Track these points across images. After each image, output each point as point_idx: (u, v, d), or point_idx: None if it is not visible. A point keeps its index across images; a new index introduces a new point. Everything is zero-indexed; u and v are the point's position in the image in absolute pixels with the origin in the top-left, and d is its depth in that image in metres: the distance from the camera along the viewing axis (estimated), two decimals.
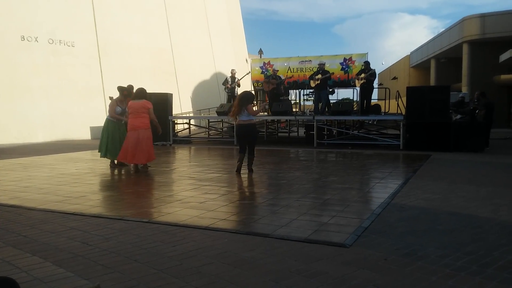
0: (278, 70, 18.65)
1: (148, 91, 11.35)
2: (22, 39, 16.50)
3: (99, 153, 9.41)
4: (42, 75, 16.98)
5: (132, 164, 8.72)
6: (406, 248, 3.74)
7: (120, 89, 9.40)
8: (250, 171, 8.33)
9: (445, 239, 4.03)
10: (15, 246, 3.91)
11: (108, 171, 9.01)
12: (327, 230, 4.32)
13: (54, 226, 4.59)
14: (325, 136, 15.18)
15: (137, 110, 8.51)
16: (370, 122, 17.69)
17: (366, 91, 15.17)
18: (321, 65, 15.97)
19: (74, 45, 18.17)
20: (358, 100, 16.39)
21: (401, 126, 12.99)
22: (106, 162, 9.44)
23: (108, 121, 9.31)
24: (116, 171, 8.90)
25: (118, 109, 9.19)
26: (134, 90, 9.30)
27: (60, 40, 17.67)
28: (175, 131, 16.80)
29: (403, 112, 13.61)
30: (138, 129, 8.44)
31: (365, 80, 14.90)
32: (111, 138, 9.14)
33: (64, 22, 17.83)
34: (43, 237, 4.17)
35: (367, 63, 15.60)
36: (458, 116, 13.77)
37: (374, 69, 15.26)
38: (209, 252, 3.68)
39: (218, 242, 3.95)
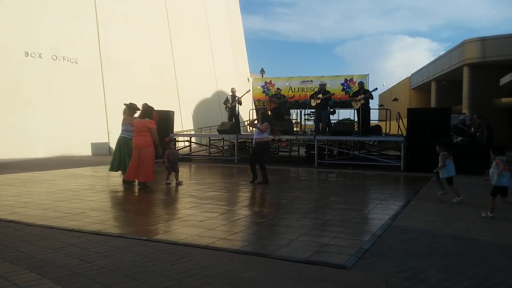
0: (281, 89, 18.73)
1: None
2: (26, 54, 16.63)
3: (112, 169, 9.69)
4: (44, 90, 17.06)
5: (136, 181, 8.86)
6: (407, 271, 3.71)
7: (130, 105, 9.58)
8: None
9: (446, 262, 3.99)
10: (13, 262, 3.88)
11: (108, 188, 9.00)
12: (328, 251, 4.28)
13: (53, 242, 4.55)
14: (326, 156, 15.19)
15: (139, 128, 8.70)
16: (371, 143, 17.69)
17: (363, 111, 15.20)
18: (322, 85, 16.06)
19: (78, 61, 18.31)
20: (358, 120, 16.42)
21: (402, 147, 13.00)
22: (107, 178, 9.43)
23: (125, 139, 9.44)
24: (118, 188, 8.88)
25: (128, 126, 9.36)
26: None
27: (63, 57, 17.80)
28: (176, 149, 16.79)
29: (404, 134, 13.63)
30: (139, 148, 8.60)
31: (364, 101, 14.93)
32: (128, 155, 9.30)
33: (68, 38, 18.00)
34: (41, 254, 4.14)
35: (361, 84, 15.65)
36: (459, 138, 13.79)
37: (376, 88, 15.31)
38: (208, 271, 3.64)
39: (217, 262, 3.92)
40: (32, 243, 4.50)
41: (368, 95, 14.97)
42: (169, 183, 9.23)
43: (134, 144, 8.76)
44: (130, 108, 9.51)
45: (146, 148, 8.66)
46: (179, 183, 9.26)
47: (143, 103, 9.75)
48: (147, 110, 8.93)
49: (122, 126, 9.65)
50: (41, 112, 16.80)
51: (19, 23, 16.51)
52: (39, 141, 16.60)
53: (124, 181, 9.26)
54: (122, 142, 9.51)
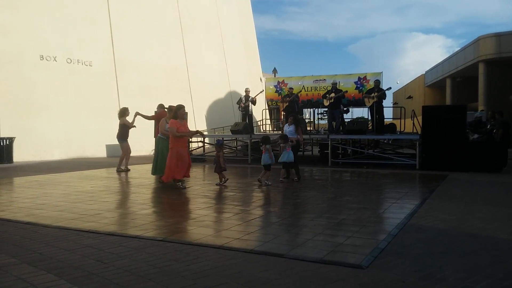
0: (293, 88, 18.69)
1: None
2: (41, 58, 16.85)
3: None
4: (59, 93, 17.27)
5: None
6: (424, 271, 3.67)
7: (169, 108, 9.75)
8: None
9: (463, 262, 3.94)
10: (30, 263, 3.93)
11: (123, 189, 9.07)
12: (343, 250, 4.26)
13: (69, 243, 4.60)
14: (340, 155, 15.11)
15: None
16: (385, 141, 17.56)
17: (377, 109, 15.08)
18: (334, 84, 16.00)
19: (92, 64, 18.50)
20: (371, 118, 16.31)
21: (417, 145, 12.87)
22: (121, 179, 9.50)
23: (159, 139, 9.71)
24: (133, 189, 8.94)
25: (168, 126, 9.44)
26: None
27: (78, 60, 18.01)
28: (189, 149, 16.85)
29: (419, 132, 13.50)
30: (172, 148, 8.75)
31: (377, 99, 14.82)
32: (161, 155, 9.47)
33: (82, 42, 18.20)
34: (58, 255, 4.19)
35: (377, 82, 15.56)
36: (475, 136, 13.61)
37: (389, 87, 15.17)
38: (223, 271, 3.65)
39: (232, 262, 3.92)
40: (49, 245, 4.55)
41: (381, 94, 14.85)
42: (221, 184, 9.15)
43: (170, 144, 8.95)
44: (170, 110, 9.71)
45: (170, 149, 8.73)
46: (219, 184, 9.15)
47: (158, 103, 9.87)
48: (173, 111, 9.01)
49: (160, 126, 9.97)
50: (56, 115, 17.01)
51: (34, 28, 16.73)
52: (55, 143, 16.81)
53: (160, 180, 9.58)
54: (155, 143, 9.99)
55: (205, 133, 19.72)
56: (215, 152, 9.50)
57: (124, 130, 12.47)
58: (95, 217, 5.87)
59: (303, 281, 3.43)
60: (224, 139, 18.91)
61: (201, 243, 4.53)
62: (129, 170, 12.23)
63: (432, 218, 5.85)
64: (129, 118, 12.46)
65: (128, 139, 12.52)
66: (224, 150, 18.54)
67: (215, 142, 9.97)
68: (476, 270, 3.68)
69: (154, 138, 12.18)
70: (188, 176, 9.10)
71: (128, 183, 10.05)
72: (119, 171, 12.11)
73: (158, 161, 9.61)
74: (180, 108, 8.87)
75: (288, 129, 10.27)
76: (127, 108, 12.68)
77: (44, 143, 16.55)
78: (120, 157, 12.54)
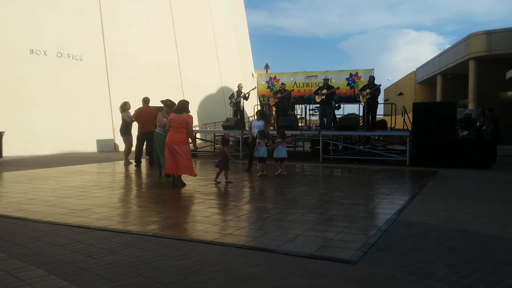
0: (285, 84, 18.66)
1: (153, 104, 11.52)
2: (31, 52, 16.68)
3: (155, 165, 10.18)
4: (50, 88, 17.11)
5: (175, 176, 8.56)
6: (413, 266, 3.70)
7: (165, 103, 9.59)
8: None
9: (452, 257, 3.98)
10: (19, 258, 3.91)
11: (114, 184, 9.03)
12: (333, 246, 4.28)
13: (59, 238, 4.58)
14: (331, 151, 15.16)
15: (179, 124, 8.28)
16: (376, 138, 17.64)
17: (371, 106, 15.15)
18: (326, 80, 16.03)
19: (82, 58, 18.35)
20: (363, 115, 16.36)
21: (407, 142, 12.95)
22: (112, 175, 9.45)
23: (156, 134, 9.60)
24: (124, 184, 8.90)
25: (165, 120, 9.16)
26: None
27: (68, 54, 17.85)
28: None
29: (409, 128, 13.57)
30: (175, 144, 8.26)
31: (370, 95, 14.89)
32: (160, 150, 9.39)
33: (72, 35, 18.04)
34: (48, 250, 4.17)
35: (371, 78, 15.62)
36: (465, 132, 13.71)
37: (380, 84, 15.24)
38: (213, 267, 3.65)
39: (223, 257, 3.93)
40: (38, 240, 4.53)
41: (373, 91, 14.90)
42: (219, 182, 8.87)
43: (170, 139, 8.32)
44: (166, 106, 9.56)
45: (185, 146, 8.31)
46: (229, 182, 8.86)
47: (166, 99, 9.77)
48: (184, 105, 8.52)
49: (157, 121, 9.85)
50: (46, 109, 16.86)
51: (24, 21, 16.54)
52: (45, 138, 16.67)
53: (167, 174, 9.28)
54: (154, 137, 9.84)
55: (197, 128, 19.69)
56: (221, 148, 9.19)
57: (125, 124, 12.65)
58: (85, 212, 5.84)
59: (293, 276, 3.45)
60: (216, 134, 18.93)
61: (191, 239, 4.54)
62: (130, 163, 12.26)
63: (422, 213, 5.90)
64: (131, 111, 12.60)
65: (131, 133, 12.72)
66: (216, 145, 18.60)
67: (222, 137, 9.55)
68: (465, 265, 3.72)
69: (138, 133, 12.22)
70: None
71: (119, 178, 10.01)
72: (126, 164, 12.29)
73: (159, 156, 9.43)
74: (188, 102, 8.61)
75: (257, 124, 10.62)
76: (128, 102, 12.86)
77: (34, 138, 16.41)
78: (124, 151, 12.78)
